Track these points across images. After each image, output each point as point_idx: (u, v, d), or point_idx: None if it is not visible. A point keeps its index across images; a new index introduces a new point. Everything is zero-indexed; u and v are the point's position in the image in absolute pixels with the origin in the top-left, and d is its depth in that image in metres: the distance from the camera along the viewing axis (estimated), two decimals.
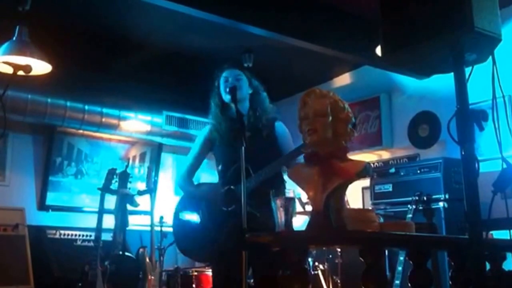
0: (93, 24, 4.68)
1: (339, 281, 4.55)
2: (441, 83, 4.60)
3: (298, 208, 4.48)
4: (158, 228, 5.07)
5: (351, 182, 1.83)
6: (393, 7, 1.81)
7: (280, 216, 1.82)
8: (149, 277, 4.65)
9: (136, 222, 5.04)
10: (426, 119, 5.11)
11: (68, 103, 5.24)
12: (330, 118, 1.84)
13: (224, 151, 3.06)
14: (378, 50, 3.36)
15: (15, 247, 4.91)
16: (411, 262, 1.97)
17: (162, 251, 5.00)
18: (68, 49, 4.66)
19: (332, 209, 1.76)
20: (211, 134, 3.13)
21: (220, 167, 3.08)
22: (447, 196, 4.09)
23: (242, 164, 2.55)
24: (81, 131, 5.67)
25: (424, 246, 1.95)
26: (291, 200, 1.85)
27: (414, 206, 3.86)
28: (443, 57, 1.76)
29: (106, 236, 4.47)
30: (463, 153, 1.68)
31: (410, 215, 3.84)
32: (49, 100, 5.12)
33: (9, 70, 2.79)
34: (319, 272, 4.54)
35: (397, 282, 3.66)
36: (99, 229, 4.30)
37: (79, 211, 5.75)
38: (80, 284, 4.20)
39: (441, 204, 4.08)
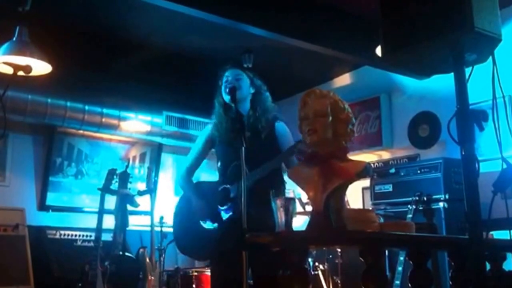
0: (93, 24, 4.68)
1: (339, 281, 4.55)
2: (441, 83, 4.61)
3: (298, 208, 4.48)
4: (158, 229, 5.08)
5: (351, 183, 1.83)
6: (393, 7, 1.81)
7: (280, 216, 1.82)
8: (149, 277, 4.65)
9: (136, 222, 5.04)
10: (426, 119, 5.11)
11: (68, 104, 5.24)
12: (330, 118, 1.84)
13: (224, 149, 3.08)
14: (378, 50, 3.37)
15: (15, 247, 4.91)
16: (411, 262, 1.97)
17: (162, 251, 5.00)
18: (68, 50, 4.66)
19: (332, 209, 1.76)
20: (212, 133, 3.15)
21: (219, 165, 3.12)
22: (447, 196, 4.09)
23: (243, 164, 2.55)
24: (81, 132, 5.67)
25: (424, 246, 1.95)
26: (291, 200, 1.85)
27: (414, 206, 3.87)
28: (443, 57, 1.76)
29: (106, 237, 4.48)
30: (463, 153, 1.68)
31: (410, 215, 3.84)
32: (49, 100, 5.12)
33: (9, 70, 2.79)
34: (319, 272, 4.54)
35: (397, 282, 3.66)
36: (99, 229, 4.30)
37: (79, 211, 5.76)
38: (80, 285, 4.20)
39: (441, 204, 4.08)
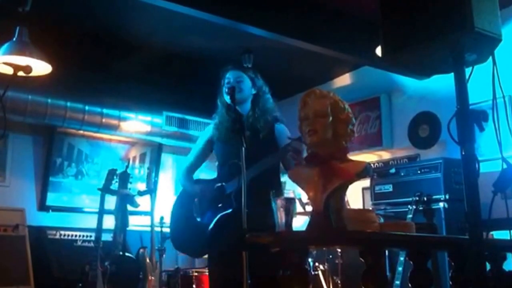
0: (93, 24, 4.68)
1: (339, 281, 4.54)
2: (441, 83, 4.61)
3: (298, 208, 4.48)
4: (158, 229, 5.07)
5: (351, 183, 1.83)
6: (393, 8, 1.81)
7: (281, 216, 1.82)
8: (150, 277, 4.65)
9: (136, 223, 5.04)
10: (426, 119, 5.11)
11: (68, 104, 5.24)
12: (330, 118, 1.84)
13: (222, 148, 3.10)
14: (378, 51, 3.37)
15: (15, 247, 4.91)
16: (411, 263, 1.98)
17: (162, 251, 5.00)
18: (69, 50, 4.66)
19: (332, 210, 1.76)
20: (212, 133, 3.16)
21: (217, 164, 3.15)
22: (447, 197, 4.09)
23: (243, 164, 2.55)
24: (81, 132, 5.67)
25: (424, 246, 1.95)
26: (291, 201, 1.85)
27: (414, 207, 3.87)
28: (443, 58, 1.76)
29: (106, 237, 4.48)
30: (463, 153, 1.68)
31: (410, 216, 3.84)
32: (49, 100, 5.12)
33: (9, 70, 2.79)
34: (320, 272, 4.54)
35: (398, 282, 3.66)
36: (99, 230, 4.30)
37: (79, 211, 5.76)
38: (80, 285, 4.21)
39: (441, 204, 4.08)
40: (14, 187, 5.43)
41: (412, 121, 5.23)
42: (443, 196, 4.09)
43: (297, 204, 2.05)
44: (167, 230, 4.95)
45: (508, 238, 2.08)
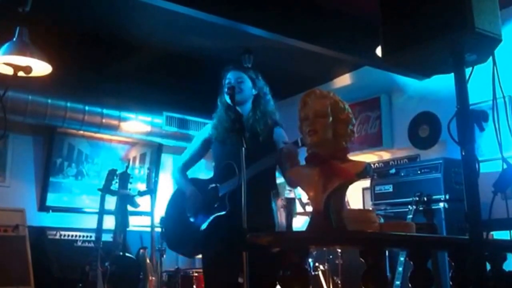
0: (94, 25, 4.68)
1: (339, 281, 4.54)
2: (442, 83, 4.60)
3: (298, 208, 4.48)
4: (158, 229, 5.07)
5: (351, 183, 1.83)
6: (393, 8, 1.81)
7: (281, 216, 1.82)
8: (150, 277, 4.65)
9: (137, 223, 5.04)
10: (426, 119, 5.11)
11: (69, 104, 5.24)
12: (331, 118, 1.84)
13: (219, 148, 3.08)
14: (379, 51, 3.36)
15: (15, 248, 4.91)
16: (411, 263, 1.97)
17: (162, 252, 5.00)
18: (69, 50, 4.66)
19: (333, 210, 1.76)
20: (210, 132, 3.15)
21: (213, 163, 3.14)
22: (447, 197, 4.08)
23: (243, 164, 2.55)
24: (81, 132, 5.68)
25: (424, 246, 1.95)
26: (291, 201, 1.85)
27: (414, 207, 3.87)
28: (444, 58, 1.76)
29: (107, 237, 4.48)
30: (463, 153, 1.68)
31: (410, 216, 3.84)
32: (49, 101, 5.13)
33: (9, 71, 2.79)
34: (320, 272, 4.54)
35: (398, 282, 3.66)
36: (99, 230, 4.30)
37: (79, 212, 5.76)
38: (80, 285, 4.21)
39: (441, 204, 4.08)
40: (14, 187, 5.43)
41: (412, 121, 5.23)
42: (443, 196, 4.09)
43: (297, 204, 2.05)
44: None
45: (508, 238, 2.08)
